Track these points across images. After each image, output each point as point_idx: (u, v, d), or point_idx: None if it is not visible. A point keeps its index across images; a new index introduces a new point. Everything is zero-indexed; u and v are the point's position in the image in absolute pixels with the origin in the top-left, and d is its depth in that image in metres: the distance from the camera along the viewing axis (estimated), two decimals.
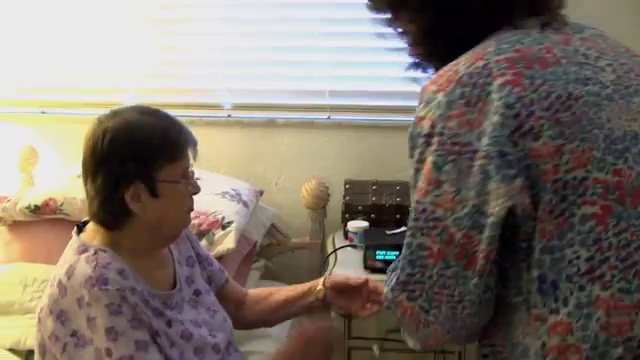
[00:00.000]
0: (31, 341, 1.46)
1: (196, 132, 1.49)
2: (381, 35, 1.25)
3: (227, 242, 2.26)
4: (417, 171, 1.04)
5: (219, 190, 2.44)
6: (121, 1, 2.71)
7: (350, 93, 2.74)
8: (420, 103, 1.06)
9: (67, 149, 2.67)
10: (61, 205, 2.40)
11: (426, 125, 1.03)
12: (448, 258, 1.02)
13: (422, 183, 1.03)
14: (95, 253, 1.36)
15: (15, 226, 2.48)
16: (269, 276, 2.64)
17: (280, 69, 2.76)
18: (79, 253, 1.38)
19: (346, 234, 2.45)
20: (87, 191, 1.41)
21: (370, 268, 2.17)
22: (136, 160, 1.36)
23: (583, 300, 0.96)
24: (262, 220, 2.60)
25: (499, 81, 0.99)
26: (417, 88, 1.10)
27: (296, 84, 2.76)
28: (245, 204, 2.44)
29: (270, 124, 2.76)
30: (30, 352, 1.94)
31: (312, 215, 2.60)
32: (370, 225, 2.40)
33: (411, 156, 1.07)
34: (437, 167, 1.01)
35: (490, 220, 0.97)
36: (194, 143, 1.45)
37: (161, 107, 1.47)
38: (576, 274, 0.96)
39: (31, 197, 2.45)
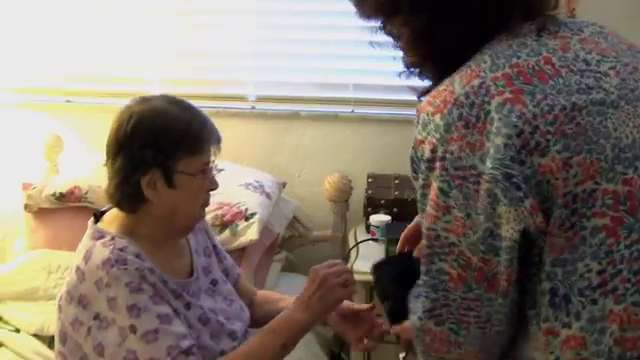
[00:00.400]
0: (54, 327, 1.48)
1: (220, 123, 1.49)
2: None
3: (250, 233, 2.27)
4: (424, 196, 1.01)
5: (242, 181, 2.45)
6: None
7: (374, 87, 2.73)
8: (417, 124, 1.03)
9: (91, 138, 2.69)
10: (86, 193, 2.42)
11: (427, 149, 1.00)
12: (469, 282, 0.99)
13: (431, 209, 1.00)
14: (112, 239, 1.38)
15: (40, 213, 2.51)
16: (290, 268, 2.64)
17: (305, 62, 2.76)
18: (95, 239, 1.39)
19: (368, 228, 2.44)
20: (107, 172, 1.42)
21: None
22: (155, 148, 1.37)
23: (596, 314, 0.94)
24: (284, 212, 2.61)
25: (498, 100, 0.95)
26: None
27: (320, 77, 2.75)
28: (268, 196, 2.45)
29: (294, 116, 2.76)
30: (54, 338, 1.96)
31: (334, 208, 2.59)
32: (392, 219, 2.39)
33: (414, 179, 1.04)
34: (443, 193, 0.98)
35: (505, 244, 0.95)
36: (218, 140, 1.45)
37: (185, 98, 1.48)
38: (588, 287, 0.94)
39: (57, 185, 2.48)
